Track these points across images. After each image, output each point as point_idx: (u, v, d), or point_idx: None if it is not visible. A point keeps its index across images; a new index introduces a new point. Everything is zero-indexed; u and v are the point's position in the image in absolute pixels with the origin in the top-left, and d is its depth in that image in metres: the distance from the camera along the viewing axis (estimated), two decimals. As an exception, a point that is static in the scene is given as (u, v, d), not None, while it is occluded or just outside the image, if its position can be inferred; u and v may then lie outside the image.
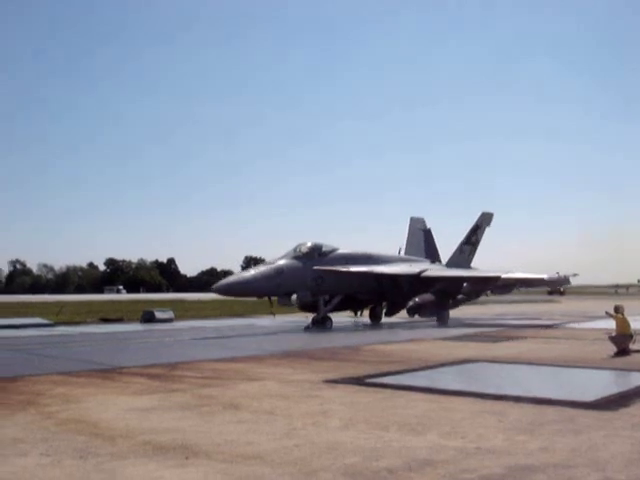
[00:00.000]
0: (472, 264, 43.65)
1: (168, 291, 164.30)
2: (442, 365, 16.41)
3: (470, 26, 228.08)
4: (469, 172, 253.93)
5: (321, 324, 31.04)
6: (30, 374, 15.14)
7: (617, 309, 18.81)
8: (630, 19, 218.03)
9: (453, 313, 37.03)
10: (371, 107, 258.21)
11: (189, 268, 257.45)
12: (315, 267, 30.88)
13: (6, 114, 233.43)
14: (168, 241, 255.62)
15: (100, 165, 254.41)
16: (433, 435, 8.55)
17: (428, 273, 35.35)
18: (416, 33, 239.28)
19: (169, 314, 38.80)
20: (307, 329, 30.40)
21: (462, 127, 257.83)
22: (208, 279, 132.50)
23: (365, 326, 34.53)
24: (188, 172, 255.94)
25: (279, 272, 29.67)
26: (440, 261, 42.04)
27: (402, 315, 35.50)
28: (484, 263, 46.95)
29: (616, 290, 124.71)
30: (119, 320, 39.76)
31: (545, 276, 37.40)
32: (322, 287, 31.26)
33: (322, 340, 25.19)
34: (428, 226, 43.82)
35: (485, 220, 44.23)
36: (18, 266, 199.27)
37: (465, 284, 36.36)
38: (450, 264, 41.35)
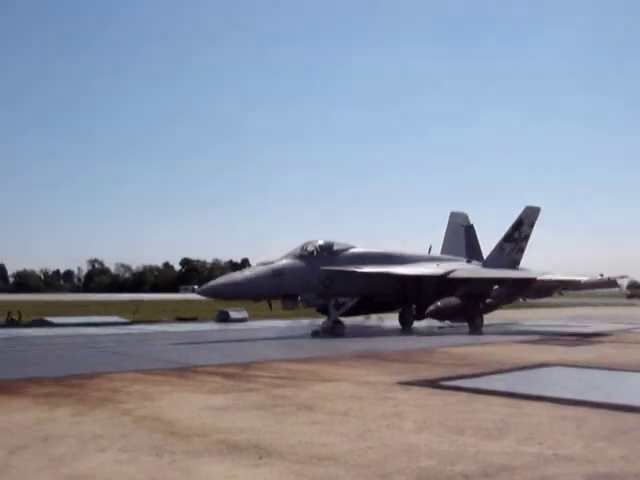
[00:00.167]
0: (521, 264, 38.93)
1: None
2: (519, 369, 16.13)
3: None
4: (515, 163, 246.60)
5: (331, 329, 28.51)
6: (107, 371, 15.61)
7: None
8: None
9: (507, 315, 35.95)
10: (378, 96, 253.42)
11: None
12: (323, 267, 28.31)
13: (84, 122, 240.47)
14: (241, 241, 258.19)
15: (172, 166, 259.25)
16: (510, 440, 8.41)
17: (456, 274, 31.97)
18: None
19: (243, 314, 39.28)
20: (316, 335, 27.86)
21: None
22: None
23: (387, 330, 31.71)
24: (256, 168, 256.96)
25: (277, 273, 27.14)
26: (482, 260, 38.18)
27: (432, 320, 31.87)
28: (532, 263, 40.72)
29: None
30: (194, 319, 40.51)
31: (583, 279, 32.86)
32: (331, 289, 28.66)
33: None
34: (471, 222, 40.57)
35: (529, 215, 38.83)
36: (97, 265, 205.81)
37: (496, 286, 32.77)
38: (488, 264, 36.96)
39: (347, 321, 30.78)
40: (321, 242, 29.24)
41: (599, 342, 24.14)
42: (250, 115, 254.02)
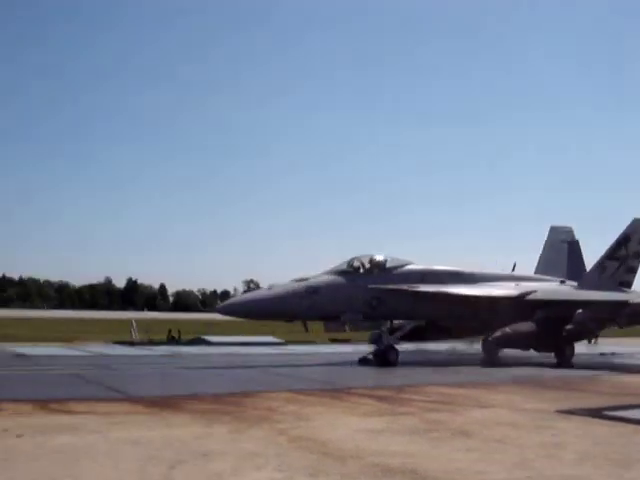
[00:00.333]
0: (635, 286, 33.71)
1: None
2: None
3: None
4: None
5: (382, 357, 24.73)
6: (263, 390, 16.00)
7: None
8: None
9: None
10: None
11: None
12: (370, 286, 25.24)
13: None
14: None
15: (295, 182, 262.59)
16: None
17: (534, 296, 28.21)
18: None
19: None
20: (363, 362, 24.89)
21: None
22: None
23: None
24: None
25: (312, 290, 24.13)
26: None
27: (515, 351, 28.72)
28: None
29: None
30: (347, 341, 40.75)
31: None
32: (380, 310, 25.32)
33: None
34: (576, 237, 36.15)
35: (638, 229, 33.70)
36: (252, 286, 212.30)
37: (579, 310, 27.47)
38: (583, 285, 31.71)
39: (410, 347, 28.71)
40: (371, 257, 26.29)
41: None
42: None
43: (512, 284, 29.63)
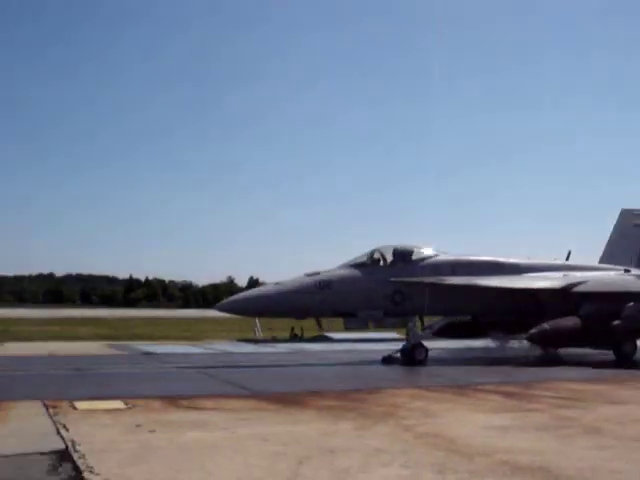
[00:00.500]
0: None
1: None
2: None
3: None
4: None
5: (409, 355, 22.90)
6: (387, 387, 16.08)
7: None
8: None
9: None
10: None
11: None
12: (392, 279, 23.37)
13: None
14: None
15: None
16: None
17: (582, 287, 25.07)
18: None
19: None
20: (387, 361, 23.20)
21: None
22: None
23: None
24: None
25: (323, 285, 22.47)
26: None
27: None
28: None
29: None
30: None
31: None
32: (403, 306, 23.41)
33: None
34: None
35: None
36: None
37: (631, 303, 23.74)
38: None
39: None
40: (395, 247, 24.33)
41: None
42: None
43: (560, 274, 26.70)
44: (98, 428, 10.43)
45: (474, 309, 25.65)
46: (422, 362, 22.66)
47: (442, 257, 25.02)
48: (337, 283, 22.62)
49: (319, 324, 24.72)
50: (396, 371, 21.37)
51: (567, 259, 30.41)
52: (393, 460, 8.32)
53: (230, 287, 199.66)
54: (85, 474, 7.55)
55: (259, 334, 39.38)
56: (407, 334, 23.62)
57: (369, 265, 23.61)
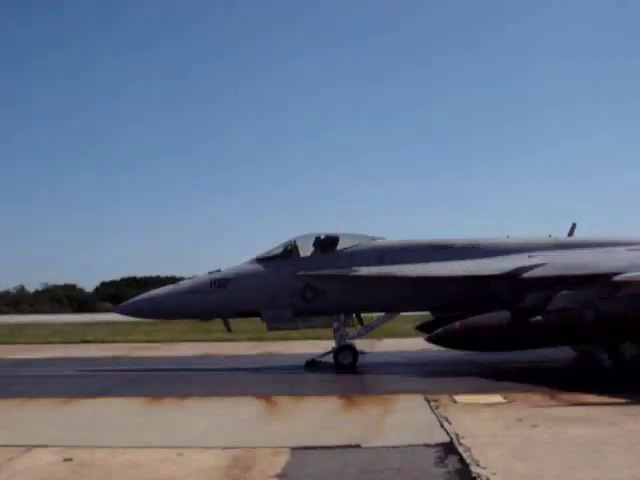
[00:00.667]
0: None
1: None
2: None
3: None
4: None
5: (335, 359, 20.03)
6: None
7: None
8: None
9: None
10: None
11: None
12: (300, 273, 20.19)
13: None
14: None
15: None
16: None
17: (533, 272, 18.99)
18: None
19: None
20: (310, 366, 20.34)
21: None
22: None
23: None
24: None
25: (219, 284, 20.17)
26: None
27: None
28: None
29: None
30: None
31: None
32: (316, 303, 20.14)
33: None
34: None
35: None
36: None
37: (564, 291, 17.55)
38: None
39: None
40: (317, 236, 21.14)
41: None
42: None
43: (524, 256, 20.59)
44: (480, 422, 10.62)
45: (398, 304, 21.12)
46: (349, 367, 19.73)
47: (374, 243, 21.30)
48: (234, 281, 20.36)
49: (226, 326, 21.62)
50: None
51: (570, 234, 23.68)
52: None
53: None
54: (472, 467, 7.68)
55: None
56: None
57: (280, 258, 20.90)
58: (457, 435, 9.41)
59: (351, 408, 12.64)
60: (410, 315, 22.79)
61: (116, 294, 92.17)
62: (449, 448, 8.72)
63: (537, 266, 19.34)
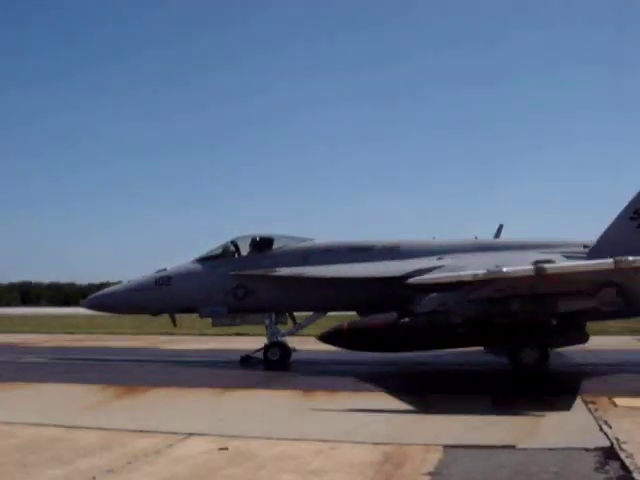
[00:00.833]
0: None
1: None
2: None
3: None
4: None
5: (264, 355, 21.37)
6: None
7: None
8: None
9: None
10: None
11: None
12: (232, 272, 21.51)
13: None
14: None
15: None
16: None
17: (420, 278, 18.33)
18: None
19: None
20: (245, 361, 21.66)
21: None
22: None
23: None
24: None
25: (162, 282, 21.77)
26: None
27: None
28: None
29: None
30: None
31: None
32: (246, 301, 21.47)
33: None
34: None
35: None
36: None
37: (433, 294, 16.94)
38: (600, 249, 19.35)
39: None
40: (254, 236, 22.70)
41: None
42: None
43: (433, 259, 20.93)
44: (641, 426, 10.16)
45: (311, 304, 22.11)
46: (277, 363, 21.02)
47: (300, 245, 22.51)
48: (176, 279, 21.88)
49: (173, 321, 23.30)
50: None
51: (497, 235, 23.88)
52: None
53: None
54: (635, 474, 7.38)
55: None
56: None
57: (217, 258, 22.31)
58: (618, 439, 9.05)
59: (503, 408, 12.39)
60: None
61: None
62: (610, 453, 8.39)
63: (429, 270, 19.54)
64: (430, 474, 7.69)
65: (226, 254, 22.52)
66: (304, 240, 22.97)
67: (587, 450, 8.61)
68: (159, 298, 21.95)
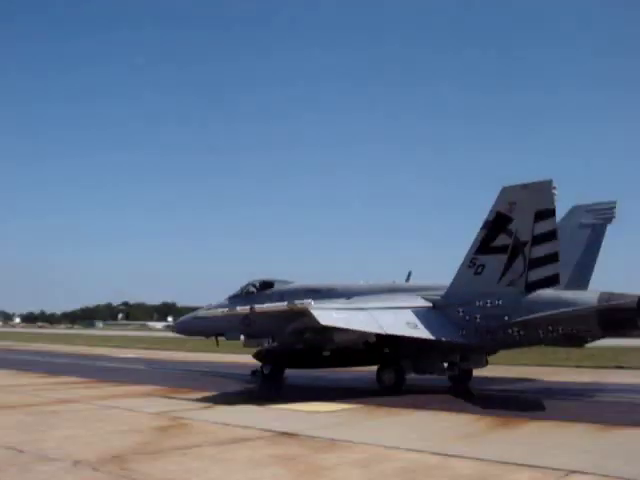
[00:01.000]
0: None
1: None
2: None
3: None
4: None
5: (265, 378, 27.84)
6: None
7: None
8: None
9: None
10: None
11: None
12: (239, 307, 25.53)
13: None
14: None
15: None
16: None
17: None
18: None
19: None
20: (254, 374, 28.52)
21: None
22: None
23: None
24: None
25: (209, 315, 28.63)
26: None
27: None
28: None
29: None
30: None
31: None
32: (251, 329, 27.75)
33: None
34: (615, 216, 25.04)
35: (522, 198, 21.94)
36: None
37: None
38: (450, 295, 23.89)
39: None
40: (261, 280, 30.12)
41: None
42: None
43: (345, 300, 26.41)
44: None
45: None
46: (271, 377, 27.75)
47: (282, 287, 29.42)
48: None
49: (217, 342, 31.03)
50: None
51: (407, 280, 29.70)
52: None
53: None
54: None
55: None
56: None
57: (238, 296, 29.74)
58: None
59: None
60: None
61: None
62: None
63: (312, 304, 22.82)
64: None
65: (242, 293, 30.03)
66: (286, 283, 30.11)
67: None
68: (208, 326, 29.29)
